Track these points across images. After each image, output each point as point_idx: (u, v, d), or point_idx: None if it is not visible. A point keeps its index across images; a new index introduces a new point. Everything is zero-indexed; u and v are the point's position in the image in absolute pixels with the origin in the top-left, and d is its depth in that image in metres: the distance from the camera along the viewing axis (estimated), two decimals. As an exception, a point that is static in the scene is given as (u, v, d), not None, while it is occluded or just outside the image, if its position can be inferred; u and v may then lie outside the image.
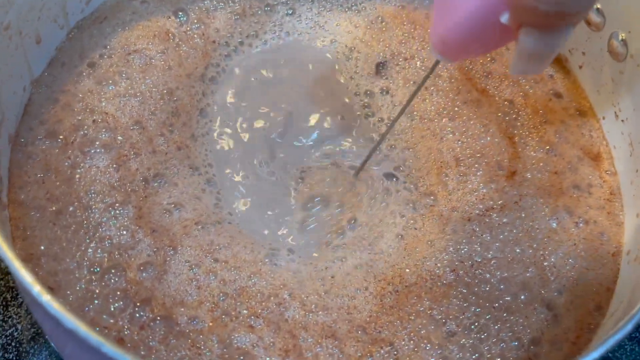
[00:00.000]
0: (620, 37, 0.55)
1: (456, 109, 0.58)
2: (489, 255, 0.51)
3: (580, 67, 0.61)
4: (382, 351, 0.47)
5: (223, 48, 0.61)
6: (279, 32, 0.63)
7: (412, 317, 0.48)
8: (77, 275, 0.47)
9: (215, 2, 0.62)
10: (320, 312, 0.48)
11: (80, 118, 0.54)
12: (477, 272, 0.50)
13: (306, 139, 0.58)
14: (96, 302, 0.47)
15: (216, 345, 0.46)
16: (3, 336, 0.56)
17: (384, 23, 0.63)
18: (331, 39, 0.63)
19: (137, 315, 0.46)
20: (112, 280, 0.47)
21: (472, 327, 0.48)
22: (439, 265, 0.51)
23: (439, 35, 0.42)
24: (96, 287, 0.47)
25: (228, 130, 0.58)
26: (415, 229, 0.53)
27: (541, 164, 0.56)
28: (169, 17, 0.60)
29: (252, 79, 0.60)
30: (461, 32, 0.40)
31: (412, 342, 0.47)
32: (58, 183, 0.51)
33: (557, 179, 0.55)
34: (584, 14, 0.36)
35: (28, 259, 0.48)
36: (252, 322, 0.47)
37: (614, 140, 0.58)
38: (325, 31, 0.63)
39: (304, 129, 0.59)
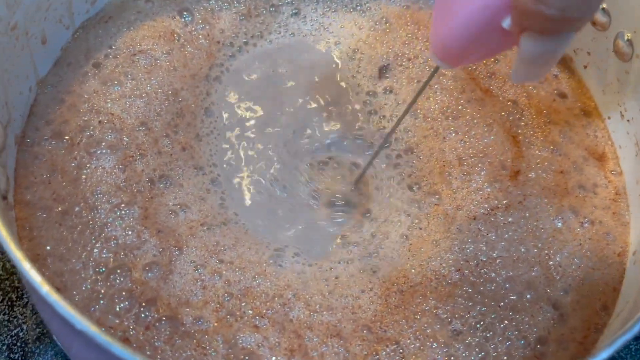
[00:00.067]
0: (626, 37, 0.55)
1: (460, 107, 0.58)
2: (494, 255, 0.51)
3: (585, 67, 0.61)
4: (388, 350, 0.47)
5: (227, 48, 0.61)
6: (284, 33, 0.63)
7: (418, 316, 0.48)
8: (82, 275, 0.48)
9: (220, 2, 0.62)
10: (324, 312, 0.48)
11: (86, 119, 0.54)
12: (482, 271, 0.50)
13: (310, 139, 0.58)
14: (102, 302, 0.47)
15: (221, 345, 0.46)
16: (9, 336, 0.56)
17: (388, 24, 0.63)
18: (335, 41, 0.63)
19: (143, 315, 0.46)
20: (118, 281, 0.48)
21: (478, 326, 0.48)
22: (444, 264, 0.51)
23: (439, 41, 0.41)
24: (102, 287, 0.47)
25: (232, 131, 0.58)
26: (420, 228, 0.53)
27: (545, 164, 0.56)
28: (174, 17, 0.60)
29: (256, 80, 0.61)
30: (462, 38, 0.39)
31: (418, 340, 0.47)
32: (64, 183, 0.51)
33: (562, 178, 0.55)
34: (588, 19, 0.36)
35: (34, 259, 0.48)
36: (257, 322, 0.47)
37: (619, 140, 0.58)
38: (330, 33, 0.63)
39: (308, 129, 0.59)
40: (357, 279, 0.50)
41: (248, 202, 0.54)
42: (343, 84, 0.61)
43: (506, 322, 0.48)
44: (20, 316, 0.57)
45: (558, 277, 0.51)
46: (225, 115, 0.58)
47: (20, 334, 0.56)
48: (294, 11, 0.63)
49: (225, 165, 0.56)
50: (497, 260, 0.51)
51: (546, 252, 0.51)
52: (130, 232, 0.50)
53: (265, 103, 0.60)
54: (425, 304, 0.49)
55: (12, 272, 0.59)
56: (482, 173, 0.55)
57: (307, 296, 0.49)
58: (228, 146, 0.57)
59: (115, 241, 0.49)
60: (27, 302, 0.57)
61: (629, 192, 0.56)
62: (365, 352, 0.47)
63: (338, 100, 0.60)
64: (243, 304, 0.48)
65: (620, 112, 0.57)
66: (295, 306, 0.48)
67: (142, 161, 0.53)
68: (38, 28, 0.54)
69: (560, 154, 0.57)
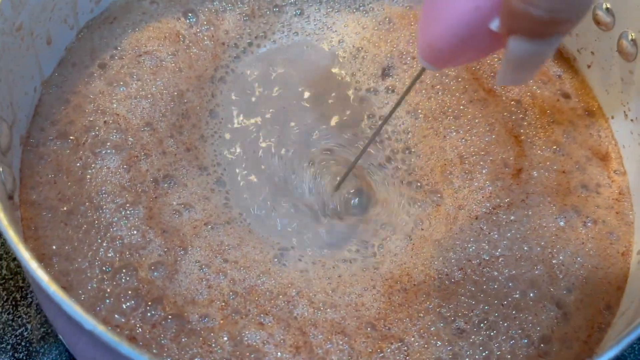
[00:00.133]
0: (630, 37, 0.55)
1: (461, 107, 0.58)
2: (497, 253, 0.51)
3: (589, 66, 0.61)
4: (392, 347, 0.47)
5: (232, 50, 0.61)
6: (288, 33, 0.63)
7: (421, 315, 0.49)
8: (88, 274, 0.48)
9: (224, 3, 0.62)
10: (328, 310, 0.48)
11: (91, 119, 0.54)
12: (485, 270, 0.51)
13: (314, 138, 0.59)
14: (108, 301, 0.47)
15: (227, 342, 0.46)
16: (13, 336, 0.56)
17: (391, 24, 0.63)
18: (339, 40, 0.63)
19: (149, 314, 0.46)
20: (124, 280, 0.48)
21: (482, 324, 0.48)
22: (446, 263, 0.51)
23: (427, 42, 0.41)
24: (108, 286, 0.47)
25: (237, 130, 0.58)
26: (422, 228, 0.53)
27: (548, 163, 0.56)
28: (179, 19, 0.61)
29: (261, 80, 0.61)
30: (449, 39, 0.39)
31: (422, 339, 0.48)
32: (69, 183, 0.51)
33: (564, 178, 0.55)
34: (577, 21, 0.35)
35: (40, 259, 0.48)
36: (262, 320, 0.47)
37: (623, 139, 0.58)
38: (333, 32, 0.63)
39: (312, 128, 0.59)
40: (360, 277, 0.51)
41: (252, 201, 0.55)
42: (347, 82, 0.61)
43: (509, 320, 0.49)
44: (24, 316, 0.57)
45: (561, 276, 0.51)
46: (230, 117, 0.58)
47: (25, 333, 0.56)
48: (297, 11, 0.64)
49: (229, 165, 0.56)
50: (500, 259, 0.51)
51: (549, 250, 0.51)
52: (135, 232, 0.50)
53: (269, 104, 0.60)
54: (429, 302, 0.49)
55: (17, 272, 0.59)
56: (484, 171, 0.55)
57: (310, 294, 0.49)
58: (232, 146, 0.57)
59: (120, 241, 0.49)
60: (32, 302, 0.58)
61: (632, 191, 0.56)
62: (370, 350, 0.47)
63: (342, 99, 0.60)
64: (248, 302, 0.48)
65: (624, 112, 0.57)
66: (299, 304, 0.48)
67: (147, 161, 0.53)
68: (43, 28, 0.54)
69: (563, 154, 0.57)
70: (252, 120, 0.59)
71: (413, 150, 0.57)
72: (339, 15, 0.64)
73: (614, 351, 0.38)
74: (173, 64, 0.58)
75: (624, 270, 0.52)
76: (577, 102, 0.60)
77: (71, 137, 0.53)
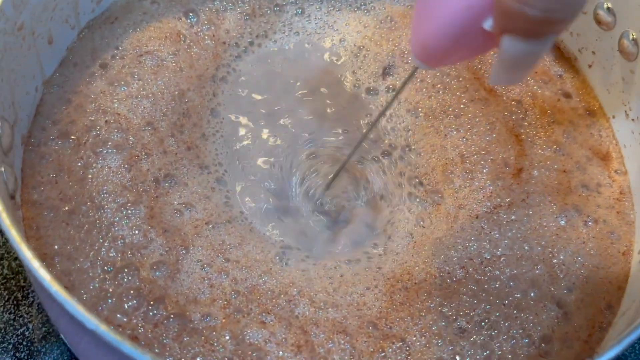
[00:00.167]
0: (631, 37, 0.55)
1: (462, 106, 0.58)
2: (498, 253, 0.51)
3: (590, 66, 0.61)
4: (394, 346, 0.47)
5: (233, 49, 0.61)
6: (289, 32, 0.63)
7: (423, 314, 0.49)
8: (90, 274, 0.48)
9: (225, 3, 0.62)
10: (330, 309, 0.48)
11: (92, 119, 0.54)
12: (486, 269, 0.51)
13: (315, 137, 0.59)
14: (110, 301, 0.47)
15: (229, 341, 0.46)
16: (14, 335, 0.56)
17: (392, 22, 0.63)
18: (340, 38, 0.63)
19: (151, 313, 0.46)
20: (126, 279, 0.48)
21: (483, 324, 0.48)
22: (448, 262, 0.51)
23: (419, 41, 0.41)
24: (110, 286, 0.47)
25: (237, 129, 0.58)
26: (424, 227, 0.53)
27: (548, 163, 0.56)
28: (180, 19, 0.61)
29: (262, 79, 0.61)
30: (443, 38, 0.39)
31: (423, 338, 0.48)
32: (71, 183, 0.51)
33: (565, 177, 0.55)
34: (571, 21, 0.35)
35: (42, 259, 0.48)
36: (264, 319, 0.47)
37: (624, 139, 0.58)
38: (334, 31, 0.63)
39: (313, 128, 0.59)
40: (362, 276, 0.51)
41: (253, 200, 0.55)
42: (348, 81, 0.61)
43: (510, 320, 0.49)
44: (26, 315, 0.57)
45: (562, 276, 0.51)
46: (231, 116, 0.58)
47: (26, 333, 0.56)
48: (298, 10, 0.64)
49: (230, 164, 0.56)
50: (501, 259, 0.51)
51: (550, 250, 0.52)
52: (136, 232, 0.50)
53: (270, 102, 0.60)
54: (430, 301, 0.49)
55: (18, 271, 0.59)
56: (485, 171, 0.55)
57: (311, 293, 0.49)
58: (233, 145, 0.57)
59: (122, 240, 0.49)
60: (33, 302, 0.58)
61: (633, 191, 0.56)
62: (372, 349, 0.47)
63: (343, 98, 0.60)
64: (250, 301, 0.48)
65: (625, 112, 0.57)
66: (300, 303, 0.48)
67: (148, 160, 0.53)
68: (44, 28, 0.54)
69: (564, 154, 0.57)
70: (253, 119, 0.59)
71: (413, 147, 0.57)
72: (340, 14, 0.64)
73: (615, 351, 0.38)
74: (174, 64, 0.58)
75: (625, 269, 0.52)
76: (578, 102, 0.60)
77: (72, 137, 0.53)
